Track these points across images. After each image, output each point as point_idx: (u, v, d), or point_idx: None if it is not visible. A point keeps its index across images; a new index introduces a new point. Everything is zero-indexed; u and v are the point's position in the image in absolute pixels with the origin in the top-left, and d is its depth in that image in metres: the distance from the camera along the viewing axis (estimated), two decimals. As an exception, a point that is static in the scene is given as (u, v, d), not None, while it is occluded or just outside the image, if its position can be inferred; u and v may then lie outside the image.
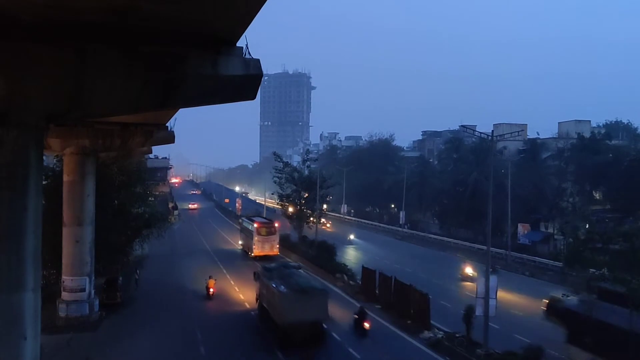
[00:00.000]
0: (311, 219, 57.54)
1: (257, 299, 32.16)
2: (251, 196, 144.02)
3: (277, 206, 67.84)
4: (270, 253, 48.82)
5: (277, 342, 26.05)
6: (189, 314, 32.10)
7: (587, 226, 28.36)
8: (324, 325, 27.06)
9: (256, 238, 49.65)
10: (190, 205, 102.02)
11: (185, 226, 74.32)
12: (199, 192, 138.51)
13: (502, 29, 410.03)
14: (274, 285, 27.83)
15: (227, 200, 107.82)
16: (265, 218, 59.15)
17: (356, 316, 29.29)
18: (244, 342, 27.08)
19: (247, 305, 33.53)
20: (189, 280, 40.67)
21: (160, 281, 40.74)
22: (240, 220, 64.95)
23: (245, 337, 28.12)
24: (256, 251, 49.23)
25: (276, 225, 52.51)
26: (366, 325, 28.63)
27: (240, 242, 57.65)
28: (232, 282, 40.32)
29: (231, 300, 35.38)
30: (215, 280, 36.39)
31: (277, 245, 50.62)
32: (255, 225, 50.82)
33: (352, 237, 68.89)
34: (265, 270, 31.30)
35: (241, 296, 36.02)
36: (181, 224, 76.19)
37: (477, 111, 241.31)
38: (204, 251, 56.39)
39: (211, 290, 35.47)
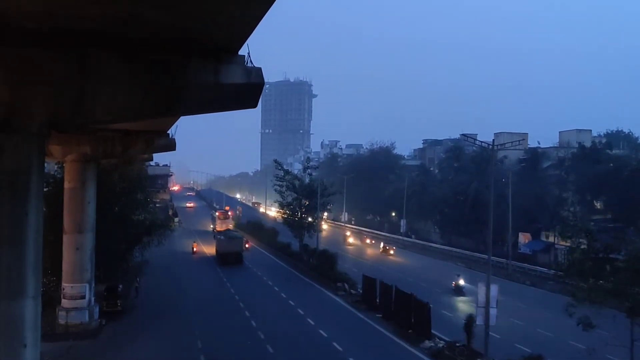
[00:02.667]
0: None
1: (215, 250, 58.45)
2: (263, 209, 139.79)
3: (277, 214, 68.64)
4: (225, 228, 71.22)
5: (217, 262, 55.07)
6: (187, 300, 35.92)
7: (588, 235, 28.17)
8: (242, 254, 55.69)
9: (217, 221, 78.70)
10: (187, 204, 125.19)
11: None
12: (194, 194, 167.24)
13: (503, 39, 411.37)
14: (219, 237, 60.29)
15: (227, 208, 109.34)
16: (223, 210, 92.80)
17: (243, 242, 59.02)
18: (205, 265, 55.48)
19: (209, 255, 60.61)
20: (179, 246, 63.25)
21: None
22: (211, 213, 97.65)
23: (206, 264, 56.31)
24: (217, 228, 74.38)
25: (229, 213, 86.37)
26: (247, 245, 60.66)
27: (211, 226, 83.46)
28: (203, 246, 65.86)
29: (203, 253, 62.50)
30: (196, 244, 63.83)
31: (230, 225, 78.38)
32: (217, 213, 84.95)
33: (461, 281, 43.60)
34: (218, 233, 65.32)
35: (207, 251, 62.79)
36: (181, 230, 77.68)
37: (478, 120, 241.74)
38: (189, 231, 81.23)
39: (194, 249, 62.69)
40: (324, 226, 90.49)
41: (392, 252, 65.25)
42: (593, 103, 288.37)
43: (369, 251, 69.61)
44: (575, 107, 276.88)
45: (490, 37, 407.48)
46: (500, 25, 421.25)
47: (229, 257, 53.20)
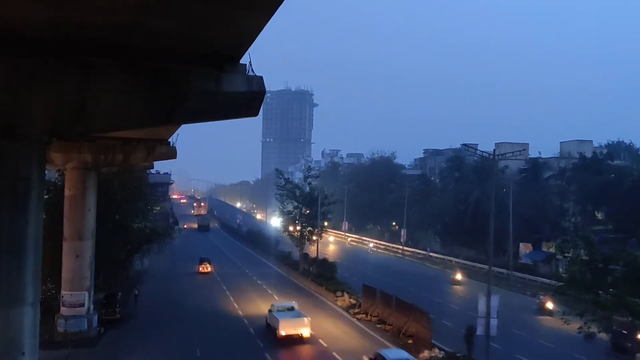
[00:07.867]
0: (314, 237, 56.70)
1: (196, 225, 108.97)
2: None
3: (278, 223, 67.77)
4: (200, 213, 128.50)
5: (197, 231, 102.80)
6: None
7: (589, 246, 28.10)
8: (209, 227, 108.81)
9: (195, 208, 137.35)
10: (181, 200, 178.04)
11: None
12: (187, 195, 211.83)
13: (506, 43, 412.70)
14: (197, 217, 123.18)
15: (202, 203, 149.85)
16: (199, 201, 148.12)
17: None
18: (191, 234, 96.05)
19: (192, 228, 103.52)
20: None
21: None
22: (193, 204, 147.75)
23: (193, 233, 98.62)
24: (195, 212, 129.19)
25: (202, 204, 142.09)
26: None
27: (192, 211, 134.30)
28: (189, 225, 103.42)
29: (189, 228, 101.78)
30: (186, 224, 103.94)
31: (203, 211, 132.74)
32: (195, 204, 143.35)
33: None
34: (196, 215, 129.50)
35: (192, 227, 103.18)
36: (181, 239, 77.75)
37: (479, 129, 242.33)
38: (180, 215, 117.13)
39: (185, 226, 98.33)
40: (371, 244, 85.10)
41: (459, 277, 52.62)
42: (595, 113, 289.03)
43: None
44: (577, 116, 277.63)
45: (495, 41, 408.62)
46: (505, 29, 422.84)
47: (202, 228, 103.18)
